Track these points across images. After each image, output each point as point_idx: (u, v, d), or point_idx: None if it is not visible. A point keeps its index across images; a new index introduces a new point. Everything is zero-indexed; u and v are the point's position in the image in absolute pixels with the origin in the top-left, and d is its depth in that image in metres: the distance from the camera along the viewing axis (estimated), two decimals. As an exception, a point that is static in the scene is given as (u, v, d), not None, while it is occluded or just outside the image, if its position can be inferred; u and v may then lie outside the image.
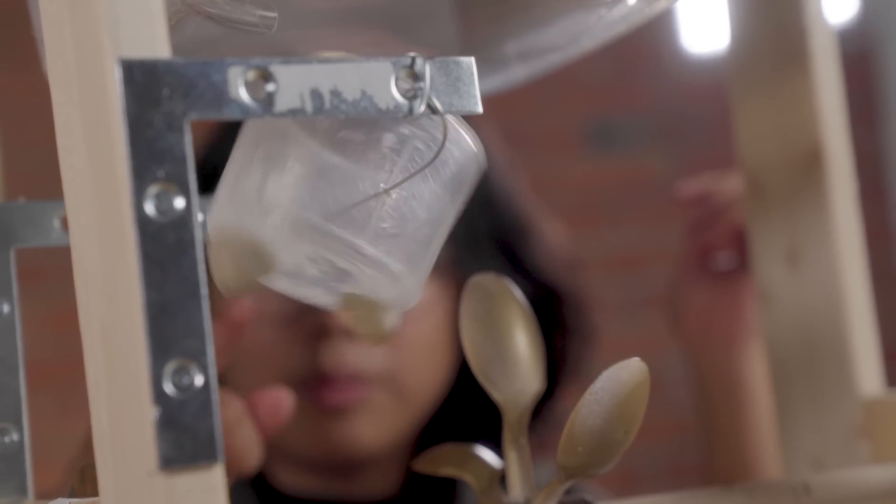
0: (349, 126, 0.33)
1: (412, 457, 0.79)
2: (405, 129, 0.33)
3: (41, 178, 0.64)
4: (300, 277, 0.37)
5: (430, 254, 0.35)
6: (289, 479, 0.78)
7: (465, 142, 0.34)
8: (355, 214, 0.33)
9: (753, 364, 0.76)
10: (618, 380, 0.37)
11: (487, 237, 0.80)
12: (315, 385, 0.72)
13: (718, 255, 0.76)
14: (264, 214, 0.34)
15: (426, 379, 0.76)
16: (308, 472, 0.78)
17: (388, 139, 0.33)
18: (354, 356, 0.72)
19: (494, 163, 0.82)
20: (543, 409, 0.80)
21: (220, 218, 0.34)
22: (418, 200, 0.34)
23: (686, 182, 0.77)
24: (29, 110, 1.08)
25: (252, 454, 0.57)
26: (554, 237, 0.86)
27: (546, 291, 0.80)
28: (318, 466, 0.77)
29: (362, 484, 0.78)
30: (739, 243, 0.74)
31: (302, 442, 0.75)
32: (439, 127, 0.33)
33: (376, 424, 0.74)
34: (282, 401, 0.58)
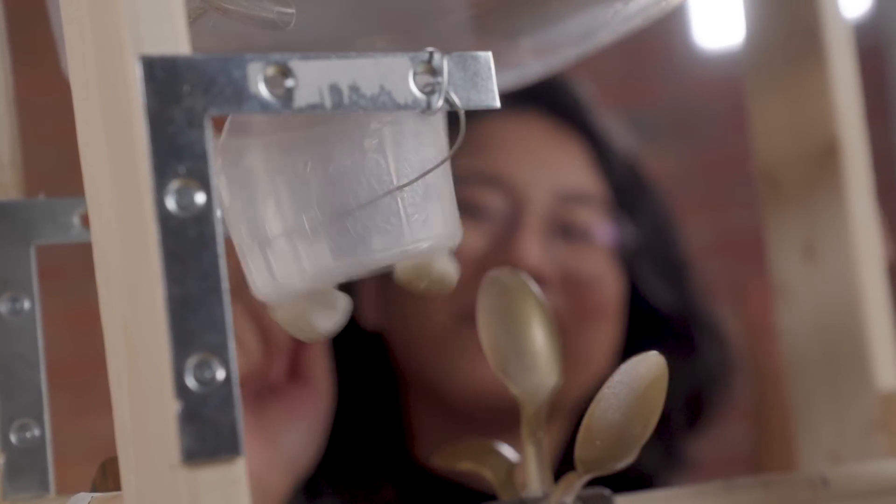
0: (331, 156, 0.33)
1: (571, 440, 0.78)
2: (372, 125, 0.33)
3: (58, 176, 0.64)
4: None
5: (446, 191, 0.35)
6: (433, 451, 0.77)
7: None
8: (387, 226, 0.33)
9: None
10: (635, 373, 0.37)
11: (649, 230, 0.79)
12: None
13: None
14: (310, 281, 0.34)
15: (600, 345, 0.74)
16: (455, 436, 0.76)
17: (368, 144, 0.34)
18: None
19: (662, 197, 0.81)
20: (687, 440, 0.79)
21: (270, 296, 0.35)
22: (417, 171, 0.34)
23: None
24: (45, 108, 1.08)
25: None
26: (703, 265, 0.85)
27: (691, 314, 0.79)
28: (465, 421, 0.74)
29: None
30: None
31: (458, 386, 0.72)
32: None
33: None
34: None
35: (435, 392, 0.74)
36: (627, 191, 0.78)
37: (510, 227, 0.72)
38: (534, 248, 0.71)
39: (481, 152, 0.74)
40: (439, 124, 0.34)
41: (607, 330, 0.75)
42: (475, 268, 0.67)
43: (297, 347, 0.62)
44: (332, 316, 0.34)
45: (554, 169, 0.76)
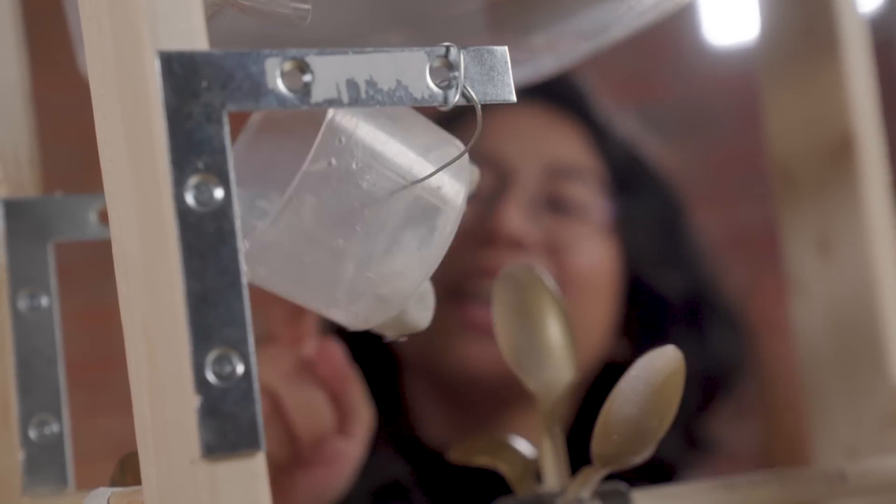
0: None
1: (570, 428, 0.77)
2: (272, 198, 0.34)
3: (73, 174, 0.65)
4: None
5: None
6: (433, 430, 0.76)
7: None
8: (337, 295, 0.34)
9: None
10: (652, 368, 0.37)
11: (651, 214, 0.79)
12: (468, 301, 0.70)
13: None
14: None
15: (587, 319, 0.74)
16: (451, 413, 0.75)
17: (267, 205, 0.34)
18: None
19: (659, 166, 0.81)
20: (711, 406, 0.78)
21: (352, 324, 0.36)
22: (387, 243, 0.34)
23: None
24: (60, 106, 1.09)
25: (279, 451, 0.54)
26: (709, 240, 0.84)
27: (700, 298, 0.79)
28: (459, 398, 0.74)
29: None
30: None
31: (446, 365, 0.72)
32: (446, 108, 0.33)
33: None
34: (334, 351, 0.54)
35: (430, 371, 0.74)
36: (628, 174, 0.78)
37: (495, 198, 0.72)
38: (514, 215, 0.70)
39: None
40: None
41: (598, 304, 0.75)
42: (460, 241, 0.67)
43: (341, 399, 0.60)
44: (427, 307, 0.36)
45: (545, 144, 0.76)
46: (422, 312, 0.37)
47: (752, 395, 0.83)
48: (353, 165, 0.33)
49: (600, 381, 0.76)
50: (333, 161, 0.33)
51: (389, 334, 0.37)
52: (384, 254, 0.34)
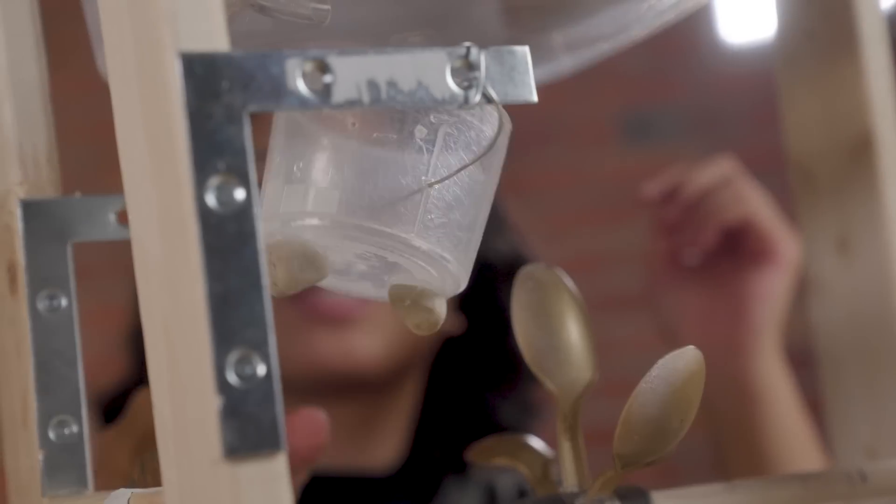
0: (380, 125, 0.34)
1: (416, 426, 0.77)
2: (432, 118, 0.34)
3: (90, 175, 0.65)
4: (349, 274, 0.37)
5: (475, 237, 0.35)
6: None
7: (493, 116, 0.34)
8: (402, 209, 0.34)
9: (764, 365, 0.72)
10: (673, 368, 0.37)
11: None
12: (311, 291, 0.69)
13: (700, 253, 0.73)
14: (313, 220, 0.34)
15: None
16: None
17: (420, 132, 0.34)
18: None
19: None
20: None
21: (268, 226, 0.35)
22: (460, 186, 0.34)
23: (651, 181, 0.73)
24: (76, 108, 1.09)
25: None
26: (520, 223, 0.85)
27: (520, 243, 0.79)
28: (312, 392, 0.71)
29: (369, 450, 0.75)
30: (727, 237, 0.71)
31: (292, 360, 0.69)
32: (466, 109, 0.34)
33: (375, 337, 0.70)
34: (318, 420, 0.49)
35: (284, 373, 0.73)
36: None
37: None
38: None
39: None
40: (500, 152, 0.35)
41: None
42: None
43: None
44: (308, 270, 0.34)
45: None
46: (305, 269, 0.35)
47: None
48: None
49: (441, 356, 0.76)
50: None
51: (280, 278, 0.35)
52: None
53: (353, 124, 0.33)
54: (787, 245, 0.72)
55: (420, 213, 0.34)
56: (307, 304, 0.69)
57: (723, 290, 0.72)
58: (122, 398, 0.75)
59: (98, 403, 0.80)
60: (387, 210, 0.33)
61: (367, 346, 0.70)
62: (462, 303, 0.77)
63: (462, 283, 0.36)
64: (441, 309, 0.36)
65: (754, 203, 0.71)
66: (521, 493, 0.78)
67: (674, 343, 0.74)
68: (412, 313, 0.36)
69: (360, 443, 0.75)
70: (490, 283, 0.76)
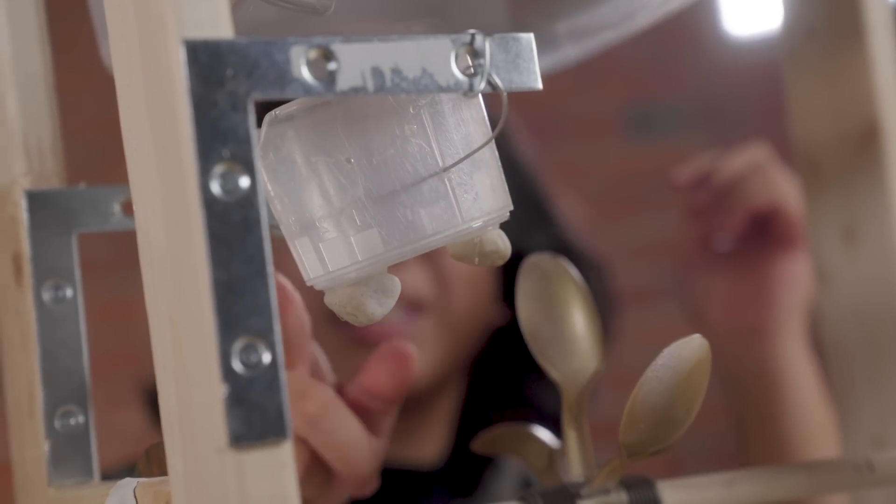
0: (374, 148, 0.33)
1: (460, 416, 0.78)
2: (412, 109, 0.33)
3: (95, 166, 0.65)
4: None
5: (495, 165, 0.35)
6: None
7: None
8: (438, 210, 0.33)
9: (788, 349, 0.73)
10: (679, 357, 0.37)
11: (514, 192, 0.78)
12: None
13: (730, 238, 0.74)
14: (365, 270, 0.34)
15: (469, 307, 0.74)
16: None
17: (410, 131, 0.33)
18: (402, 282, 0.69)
19: (518, 135, 0.81)
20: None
21: (319, 285, 0.34)
22: (464, 147, 0.34)
23: (681, 168, 0.74)
24: (81, 99, 1.09)
25: (361, 453, 0.45)
26: (573, 211, 0.85)
27: (568, 251, 0.79)
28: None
29: (413, 445, 0.77)
30: (755, 222, 0.72)
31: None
32: (471, 97, 0.33)
33: (425, 354, 0.71)
34: (405, 354, 0.47)
35: None
36: None
37: None
38: None
39: None
40: (477, 97, 0.34)
41: (478, 275, 0.74)
42: None
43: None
44: (384, 300, 0.34)
45: None
46: (376, 302, 0.35)
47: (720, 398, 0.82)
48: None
49: (491, 347, 0.77)
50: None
51: (335, 304, 0.35)
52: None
53: (349, 160, 0.33)
54: None
55: (454, 201, 0.33)
56: (356, 332, 0.70)
57: (750, 275, 0.73)
58: None
59: (148, 393, 0.80)
60: (423, 218, 0.33)
61: (417, 365, 0.71)
62: (505, 294, 0.77)
63: (507, 205, 0.35)
64: (503, 240, 0.35)
65: (783, 189, 0.72)
66: None
67: (701, 327, 0.75)
68: (482, 261, 0.35)
69: (404, 438, 0.76)
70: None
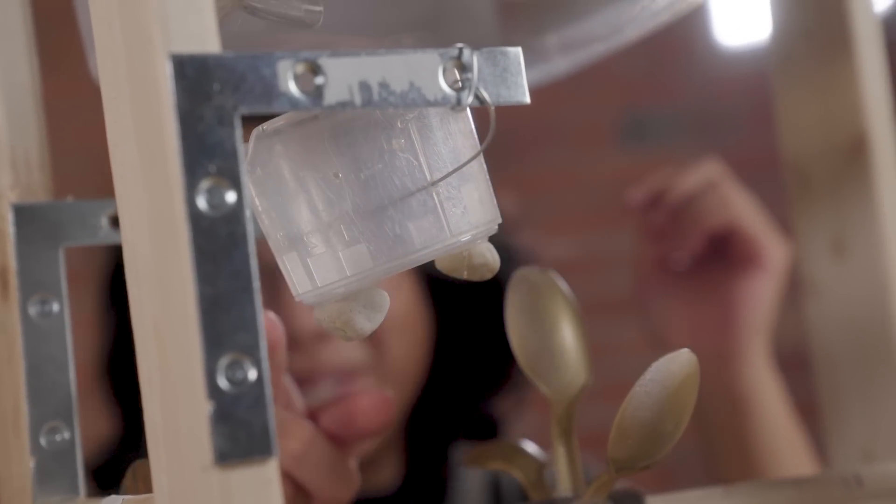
0: (361, 162, 0.33)
1: (406, 442, 0.77)
2: (399, 123, 0.33)
3: (82, 179, 0.64)
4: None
5: (482, 177, 0.35)
6: None
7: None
8: (426, 224, 0.33)
9: (754, 371, 0.71)
10: (668, 371, 0.37)
11: None
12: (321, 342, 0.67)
13: (689, 259, 0.71)
14: (354, 285, 0.34)
15: (406, 353, 0.73)
16: None
17: (398, 145, 0.33)
18: (331, 355, 0.67)
19: None
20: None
21: (307, 300, 0.34)
22: (451, 161, 0.33)
23: (636, 187, 0.73)
24: (68, 112, 1.08)
25: (342, 483, 0.46)
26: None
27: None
28: None
29: (368, 473, 0.76)
30: (713, 242, 0.71)
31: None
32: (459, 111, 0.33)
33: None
34: (386, 398, 0.47)
35: None
36: None
37: None
38: None
39: None
40: (465, 111, 0.34)
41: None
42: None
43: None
44: (373, 315, 0.34)
45: None
46: (365, 317, 0.35)
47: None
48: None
49: (434, 371, 0.76)
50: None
51: (324, 319, 0.35)
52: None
53: (337, 174, 0.33)
54: (773, 249, 0.71)
55: (441, 215, 0.33)
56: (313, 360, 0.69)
57: (710, 296, 0.72)
58: (115, 462, 0.74)
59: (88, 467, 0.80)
60: (412, 232, 0.33)
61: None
62: (438, 318, 0.77)
63: (496, 217, 0.35)
64: (492, 253, 0.35)
65: (739, 207, 0.71)
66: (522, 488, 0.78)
67: (662, 350, 0.74)
68: (472, 274, 0.35)
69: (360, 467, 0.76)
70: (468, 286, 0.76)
